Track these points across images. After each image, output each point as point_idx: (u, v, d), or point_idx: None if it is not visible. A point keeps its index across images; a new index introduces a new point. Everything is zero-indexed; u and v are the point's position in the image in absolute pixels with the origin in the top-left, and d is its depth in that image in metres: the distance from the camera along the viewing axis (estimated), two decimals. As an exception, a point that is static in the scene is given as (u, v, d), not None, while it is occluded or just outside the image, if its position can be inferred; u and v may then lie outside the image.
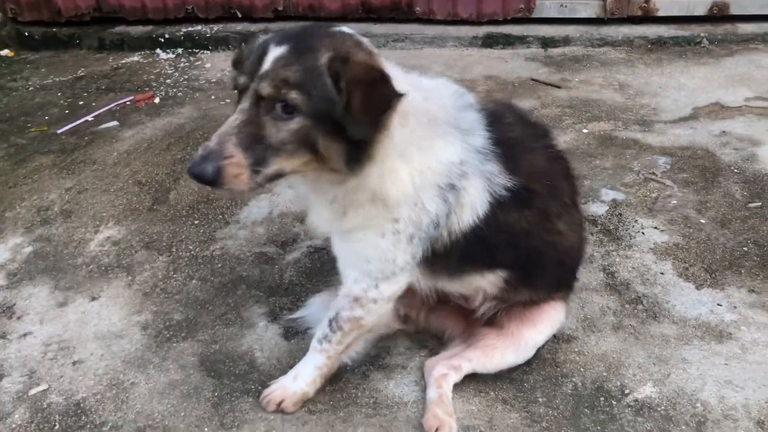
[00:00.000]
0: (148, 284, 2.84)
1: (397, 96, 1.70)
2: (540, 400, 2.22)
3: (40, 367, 2.45)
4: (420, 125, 1.84)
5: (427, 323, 2.44)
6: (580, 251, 2.39)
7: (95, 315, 2.68)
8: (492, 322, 2.29)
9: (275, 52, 1.69)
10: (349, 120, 1.64)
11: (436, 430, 2.06)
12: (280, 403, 2.20)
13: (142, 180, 3.58)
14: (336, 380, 2.31)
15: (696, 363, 2.31)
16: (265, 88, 1.66)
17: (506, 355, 2.23)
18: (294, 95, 1.64)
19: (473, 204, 1.96)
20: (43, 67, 5.23)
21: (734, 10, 4.82)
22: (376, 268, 1.99)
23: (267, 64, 1.68)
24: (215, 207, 3.31)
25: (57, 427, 2.23)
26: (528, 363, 2.31)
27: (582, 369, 2.32)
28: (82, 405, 2.30)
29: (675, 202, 3.11)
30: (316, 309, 2.47)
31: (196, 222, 3.22)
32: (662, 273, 2.70)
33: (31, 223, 3.28)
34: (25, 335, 2.60)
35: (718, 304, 2.54)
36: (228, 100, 4.46)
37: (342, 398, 2.26)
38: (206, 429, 2.19)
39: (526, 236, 2.11)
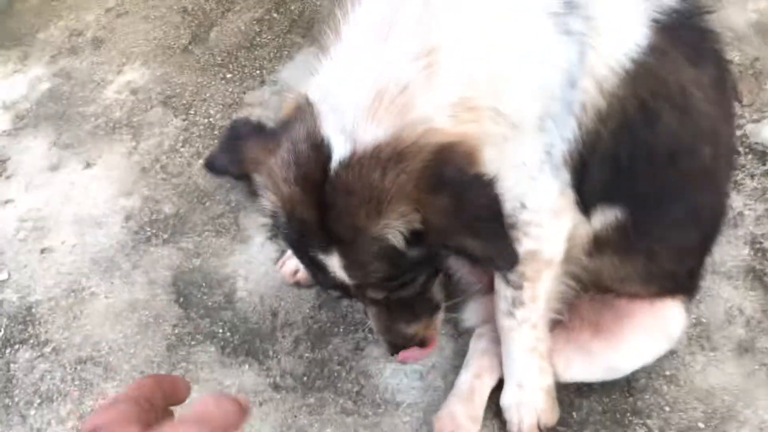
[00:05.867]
0: (150, 156, 2.32)
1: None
2: (589, 442, 1.53)
3: (9, 249, 2.11)
4: None
5: None
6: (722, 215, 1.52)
7: (82, 189, 2.24)
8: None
9: None
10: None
11: None
12: (538, 424, 1.54)
13: (188, 7, 2.93)
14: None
15: None
16: None
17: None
18: None
19: (619, 25, 1.17)
20: None
21: None
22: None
23: None
24: (255, 57, 2.62)
25: (1, 333, 1.90)
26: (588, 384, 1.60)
27: (667, 408, 1.56)
28: (33, 311, 1.95)
29: None
30: None
31: (228, 75, 2.57)
32: None
33: (59, 50, 2.80)
34: (6, 203, 2.24)
35: None
36: None
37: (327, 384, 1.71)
38: (150, 379, 1.75)
39: (692, 129, 1.28)
